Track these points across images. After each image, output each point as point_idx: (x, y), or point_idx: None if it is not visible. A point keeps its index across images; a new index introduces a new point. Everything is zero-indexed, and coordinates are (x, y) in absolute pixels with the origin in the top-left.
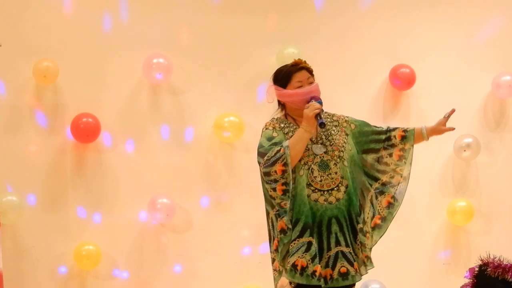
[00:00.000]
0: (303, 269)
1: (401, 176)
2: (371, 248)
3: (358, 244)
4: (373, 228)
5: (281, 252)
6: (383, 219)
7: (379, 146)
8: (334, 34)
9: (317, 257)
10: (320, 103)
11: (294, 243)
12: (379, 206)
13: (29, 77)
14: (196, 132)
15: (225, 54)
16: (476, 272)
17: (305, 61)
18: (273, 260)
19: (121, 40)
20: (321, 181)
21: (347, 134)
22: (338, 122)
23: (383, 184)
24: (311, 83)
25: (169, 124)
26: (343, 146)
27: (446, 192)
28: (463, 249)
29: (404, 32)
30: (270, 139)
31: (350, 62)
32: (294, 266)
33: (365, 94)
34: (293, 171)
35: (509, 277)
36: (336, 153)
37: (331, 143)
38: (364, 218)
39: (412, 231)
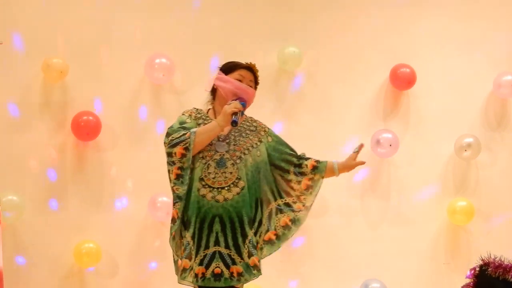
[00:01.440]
0: (185, 270)
1: (303, 205)
2: (259, 260)
3: (246, 248)
4: (266, 242)
5: (176, 242)
6: (278, 237)
7: (288, 167)
8: (334, 33)
9: (186, 251)
10: (243, 105)
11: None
12: (277, 223)
13: (37, 74)
14: None
15: (226, 53)
16: (477, 272)
17: (257, 69)
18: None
19: (124, 39)
20: (214, 178)
21: (260, 141)
22: (256, 128)
23: (286, 205)
24: (250, 86)
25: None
26: (248, 149)
27: (447, 191)
28: (464, 249)
29: (405, 32)
30: (181, 123)
31: (350, 61)
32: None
33: (365, 93)
34: (192, 161)
35: (510, 277)
36: (238, 153)
37: (235, 143)
38: (257, 226)
39: (413, 231)
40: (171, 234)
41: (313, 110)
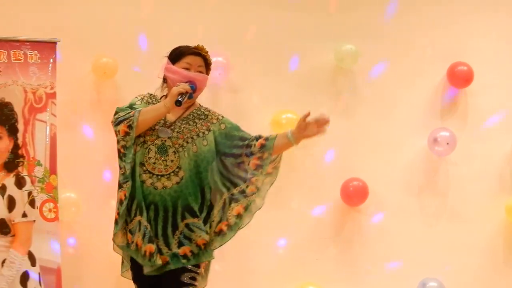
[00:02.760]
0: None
1: (256, 187)
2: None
3: (176, 240)
4: (217, 234)
5: (119, 225)
6: (229, 227)
7: (239, 151)
8: (391, 31)
9: (147, 236)
10: (192, 88)
11: (133, 222)
12: (229, 213)
13: (88, 73)
14: (253, 129)
15: (282, 51)
16: None
17: (207, 51)
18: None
19: (182, 37)
20: (154, 163)
21: (209, 130)
22: (207, 117)
23: (240, 192)
24: (200, 72)
25: None
26: (192, 138)
27: (505, 189)
28: None
29: (462, 29)
30: (131, 105)
31: (408, 59)
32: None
33: (422, 92)
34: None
35: None
36: (180, 141)
37: (179, 130)
38: (207, 218)
39: (470, 229)
40: (119, 219)
41: (370, 109)
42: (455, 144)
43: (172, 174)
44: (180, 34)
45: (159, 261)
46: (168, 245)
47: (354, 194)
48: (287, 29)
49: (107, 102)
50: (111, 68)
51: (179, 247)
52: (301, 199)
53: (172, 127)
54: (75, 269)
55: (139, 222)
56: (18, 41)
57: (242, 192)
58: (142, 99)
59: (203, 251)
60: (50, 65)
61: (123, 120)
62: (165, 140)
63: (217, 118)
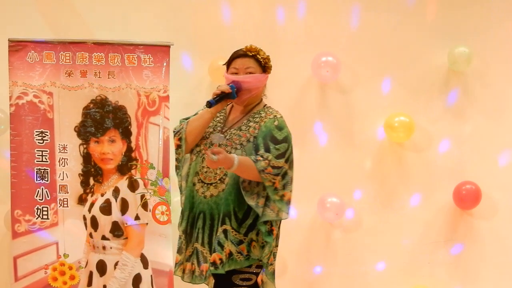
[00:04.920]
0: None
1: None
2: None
3: (213, 246)
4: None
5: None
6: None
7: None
8: (507, 33)
9: (178, 246)
10: (232, 88)
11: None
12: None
13: (204, 75)
14: (365, 131)
15: (394, 53)
16: None
17: (258, 49)
18: None
19: (292, 37)
20: (206, 172)
21: (258, 133)
22: (260, 119)
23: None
24: (250, 73)
25: (338, 123)
26: (241, 144)
27: None
28: None
29: None
30: (194, 115)
31: None
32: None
33: None
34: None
35: None
36: (228, 148)
37: (229, 137)
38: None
39: None
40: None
41: (484, 111)
42: None
43: (219, 181)
44: (302, 35)
45: (179, 272)
46: (211, 252)
47: (467, 197)
48: (398, 30)
49: None
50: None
51: (211, 253)
52: (414, 201)
53: (225, 134)
54: None
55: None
56: (131, 44)
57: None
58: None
59: (231, 260)
60: (164, 68)
61: (175, 133)
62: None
63: (274, 116)
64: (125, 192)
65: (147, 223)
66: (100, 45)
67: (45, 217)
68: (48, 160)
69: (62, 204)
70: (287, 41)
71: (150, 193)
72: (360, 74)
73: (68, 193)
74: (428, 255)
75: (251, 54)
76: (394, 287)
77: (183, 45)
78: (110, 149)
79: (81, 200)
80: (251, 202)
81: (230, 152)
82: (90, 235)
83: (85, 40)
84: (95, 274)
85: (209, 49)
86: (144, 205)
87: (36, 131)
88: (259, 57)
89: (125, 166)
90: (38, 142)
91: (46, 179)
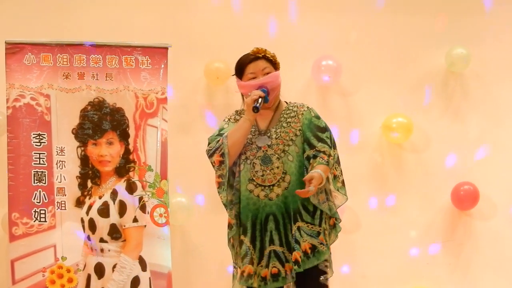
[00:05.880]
0: (250, 276)
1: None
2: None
3: (292, 244)
4: (332, 227)
5: (235, 250)
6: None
7: (309, 151)
8: (504, 35)
9: (247, 257)
10: (264, 91)
11: (241, 247)
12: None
13: (199, 77)
14: (364, 133)
15: (393, 55)
16: None
17: (264, 49)
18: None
19: (291, 42)
20: (262, 175)
21: (302, 126)
22: (296, 113)
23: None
24: (267, 73)
25: (338, 125)
26: (291, 140)
27: None
28: None
29: None
30: (220, 130)
31: None
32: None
33: None
34: (236, 165)
35: None
36: (281, 146)
37: (277, 136)
38: (320, 215)
39: None
40: (228, 239)
41: (481, 111)
42: None
43: (280, 180)
44: (301, 39)
45: (288, 279)
46: (290, 251)
47: (465, 198)
48: (398, 33)
49: (219, 106)
50: (223, 73)
51: (291, 252)
52: (412, 202)
53: (269, 134)
54: (186, 274)
55: (240, 241)
56: (129, 46)
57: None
58: (229, 119)
59: (317, 253)
60: (161, 70)
61: (214, 150)
62: (266, 150)
63: (304, 111)
64: (123, 194)
65: (145, 226)
66: (97, 47)
67: (42, 220)
68: (45, 162)
69: (60, 207)
70: (285, 45)
71: (148, 195)
72: (359, 76)
73: (65, 195)
74: (427, 256)
75: (261, 56)
76: None
77: (180, 47)
78: (108, 151)
79: (79, 203)
80: (314, 201)
81: (284, 149)
82: (88, 237)
83: (83, 42)
84: (93, 277)
85: (205, 51)
86: (142, 207)
87: (33, 134)
88: (269, 56)
89: (123, 168)
90: (36, 145)
91: (43, 182)
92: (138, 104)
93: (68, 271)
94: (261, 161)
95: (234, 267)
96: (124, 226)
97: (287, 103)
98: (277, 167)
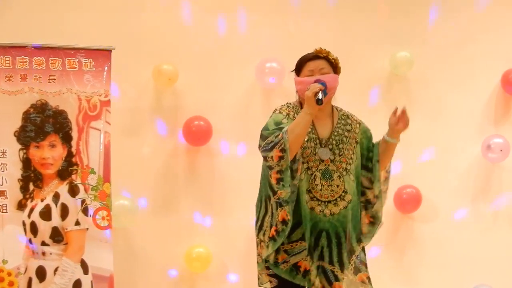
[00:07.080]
0: (306, 272)
1: (374, 196)
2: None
3: (352, 265)
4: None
5: (277, 243)
6: (363, 235)
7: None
8: (446, 38)
9: (305, 254)
10: (323, 85)
11: (296, 245)
12: (362, 221)
13: (147, 80)
14: None
15: (338, 57)
16: None
17: (328, 51)
18: (258, 244)
19: (235, 44)
20: (321, 190)
21: (357, 142)
22: (352, 127)
23: (367, 201)
24: (325, 73)
25: None
26: (351, 158)
27: None
28: None
29: None
30: (277, 123)
31: (462, 66)
32: (296, 266)
33: (476, 98)
34: (296, 171)
35: None
36: (344, 165)
37: (340, 153)
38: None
39: None
40: (280, 234)
41: (425, 115)
42: (508, 151)
43: (338, 199)
44: (245, 41)
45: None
46: (343, 271)
47: (408, 201)
48: (341, 34)
49: (166, 109)
50: (172, 75)
51: (355, 273)
52: None
53: (330, 147)
54: (128, 277)
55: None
56: (72, 49)
57: (368, 201)
58: (288, 114)
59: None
60: (105, 73)
61: (274, 145)
62: (328, 165)
63: (359, 124)
64: (65, 197)
65: (87, 229)
66: (40, 49)
67: None
68: None
69: (1, 210)
70: (231, 47)
71: (90, 198)
72: None
73: (7, 198)
74: (368, 260)
75: (322, 56)
76: None
77: (126, 49)
78: (50, 154)
79: (21, 206)
80: (383, 188)
81: (347, 168)
82: (30, 240)
83: (25, 44)
84: (35, 280)
85: (153, 53)
86: (85, 210)
87: None
88: (330, 58)
89: (66, 171)
90: None
91: None
92: (81, 106)
93: (9, 274)
94: (321, 175)
95: (263, 258)
96: (66, 229)
97: (337, 109)
98: (337, 185)
